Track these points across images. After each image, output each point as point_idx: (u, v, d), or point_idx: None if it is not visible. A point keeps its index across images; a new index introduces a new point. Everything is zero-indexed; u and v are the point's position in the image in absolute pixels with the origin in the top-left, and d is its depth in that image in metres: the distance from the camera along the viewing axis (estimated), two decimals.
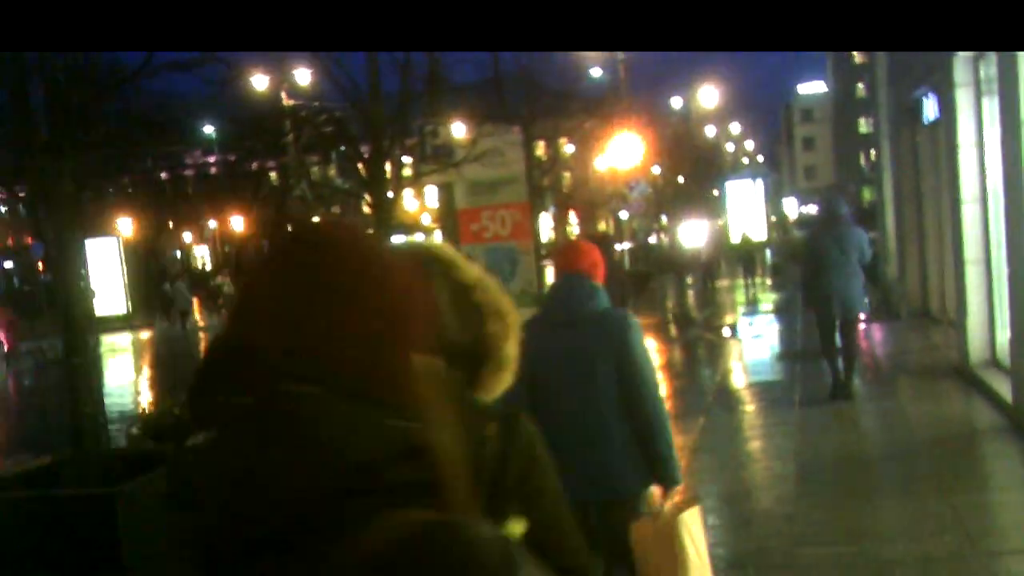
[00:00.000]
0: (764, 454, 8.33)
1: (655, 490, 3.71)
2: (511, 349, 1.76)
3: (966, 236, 10.31)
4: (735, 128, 75.92)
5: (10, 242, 49.55)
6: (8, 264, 40.85)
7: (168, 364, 23.44)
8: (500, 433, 1.46)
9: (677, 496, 3.69)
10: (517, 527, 1.44)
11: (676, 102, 45.91)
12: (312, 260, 1.24)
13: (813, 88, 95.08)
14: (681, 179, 42.90)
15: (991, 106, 9.12)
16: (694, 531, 3.31)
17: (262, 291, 1.26)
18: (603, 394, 3.73)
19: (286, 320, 1.21)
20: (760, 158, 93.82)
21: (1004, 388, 8.78)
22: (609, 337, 3.74)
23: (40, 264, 35.93)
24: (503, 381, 1.73)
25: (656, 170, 35.34)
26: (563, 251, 4.16)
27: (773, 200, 40.03)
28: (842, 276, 9.32)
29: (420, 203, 52.87)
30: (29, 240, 42.19)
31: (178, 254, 64.10)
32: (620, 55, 24.09)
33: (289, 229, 1.51)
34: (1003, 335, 9.46)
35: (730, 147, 77.97)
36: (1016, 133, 7.48)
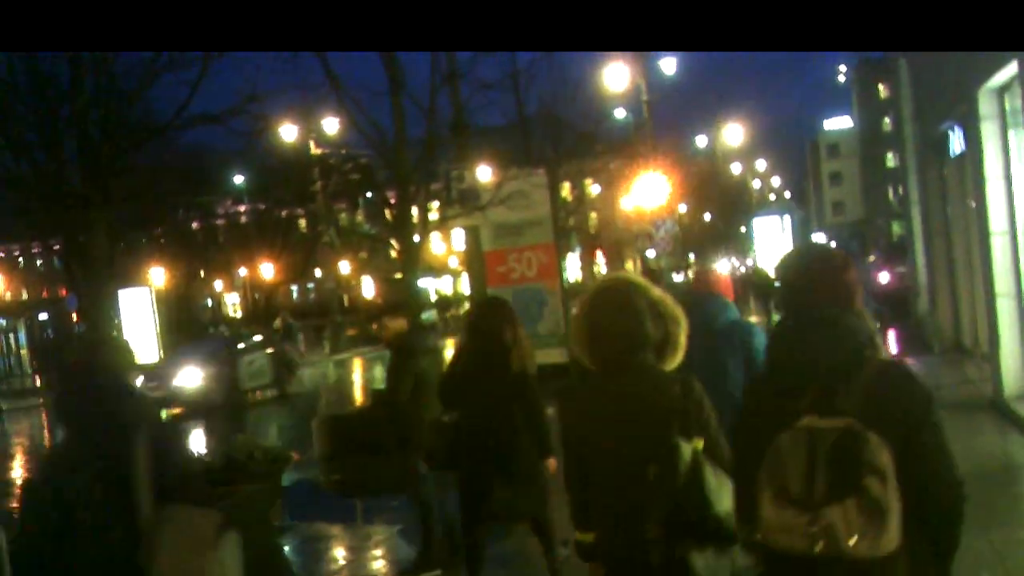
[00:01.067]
0: None
1: None
2: (682, 340, 3.25)
3: (996, 269, 10.21)
4: (761, 165, 75.86)
5: (44, 294, 50.30)
6: (43, 316, 41.44)
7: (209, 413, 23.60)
8: (682, 387, 3.09)
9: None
10: (699, 443, 3.00)
11: (701, 140, 46.06)
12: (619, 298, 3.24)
13: (839, 123, 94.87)
14: (708, 217, 42.86)
15: (1018, 138, 9.08)
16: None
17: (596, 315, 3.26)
18: (731, 378, 4.89)
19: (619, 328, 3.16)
20: (787, 194, 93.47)
21: None
22: (739, 338, 5.05)
23: (74, 315, 36.38)
24: (677, 359, 3.24)
25: (683, 208, 35.33)
26: (699, 276, 5.91)
27: (801, 236, 39.76)
28: None
29: (447, 246, 53.13)
30: (63, 292, 42.82)
31: (209, 302, 64.73)
32: (644, 94, 24.29)
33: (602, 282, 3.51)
34: None
35: (756, 184, 77.84)
36: None
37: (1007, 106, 9.67)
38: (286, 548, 8.09)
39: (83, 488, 3.14)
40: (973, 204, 11.30)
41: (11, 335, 37.56)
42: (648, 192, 25.68)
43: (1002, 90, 9.70)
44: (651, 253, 31.72)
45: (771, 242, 35.98)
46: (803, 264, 2.73)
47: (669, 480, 2.97)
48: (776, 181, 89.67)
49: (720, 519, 2.97)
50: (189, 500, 3.25)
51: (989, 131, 10.01)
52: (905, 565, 2.36)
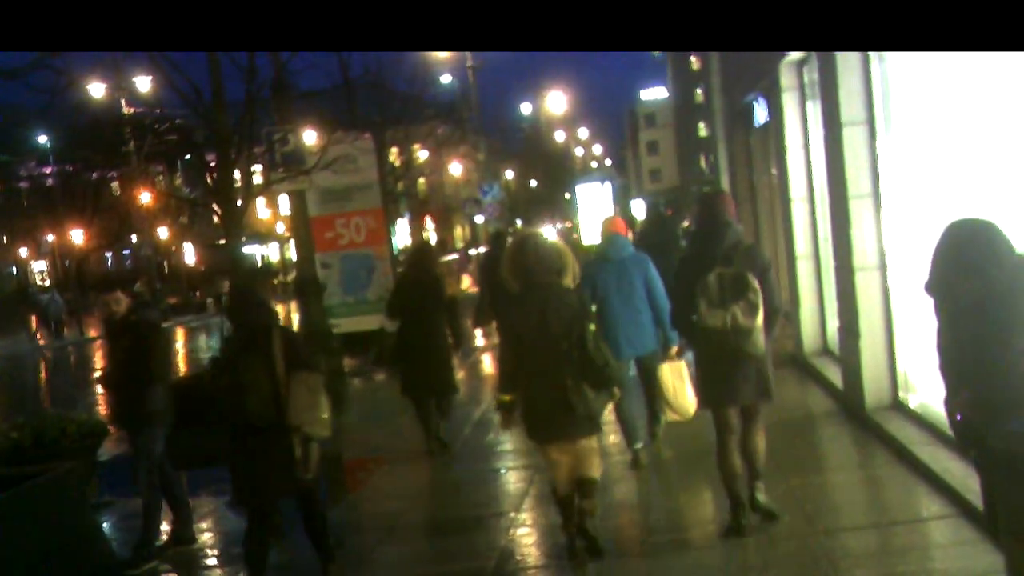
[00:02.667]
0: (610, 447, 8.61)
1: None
2: (574, 269, 5.66)
3: (796, 233, 10.92)
4: (583, 133, 77.67)
5: None
6: None
7: (8, 386, 22.15)
8: (577, 296, 5.63)
9: (674, 351, 7.32)
10: (593, 326, 5.45)
11: (526, 108, 46.67)
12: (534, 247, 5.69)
13: (655, 94, 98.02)
14: (534, 183, 43.59)
15: (815, 109, 9.72)
16: (684, 371, 7.17)
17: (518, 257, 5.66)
18: (638, 295, 7.39)
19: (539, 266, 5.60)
20: (608, 162, 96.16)
21: (835, 375, 9.37)
22: (638, 266, 7.44)
23: None
24: (571, 280, 5.61)
25: (509, 175, 35.74)
26: (607, 223, 7.86)
27: (622, 202, 41.11)
28: None
29: (273, 211, 51.69)
30: None
31: (14, 270, 60.55)
32: (469, 60, 24.33)
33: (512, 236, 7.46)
34: (832, 325, 10.09)
35: (579, 152, 79.69)
36: (837, 134, 8.02)
37: (805, 78, 10.32)
38: (105, 526, 7.80)
39: (245, 358, 5.44)
40: (775, 172, 12.02)
41: None
42: (473, 158, 25.84)
43: (801, 64, 10.34)
44: (479, 218, 32.08)
45: (593, 207, 37.02)
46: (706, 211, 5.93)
47: (579, 348, 5.33)
48: (598, 149, 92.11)
49: (610, 367, 5.46)
50: (305, 367, 5.47)
51: (790, 102, 10.66)
52: (761, 331, 5.49)
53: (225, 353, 5.72)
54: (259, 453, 5.40)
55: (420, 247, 11.30)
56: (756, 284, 5.47)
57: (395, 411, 11.72)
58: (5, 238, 53.90)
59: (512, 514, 6.97)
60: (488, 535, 6.67)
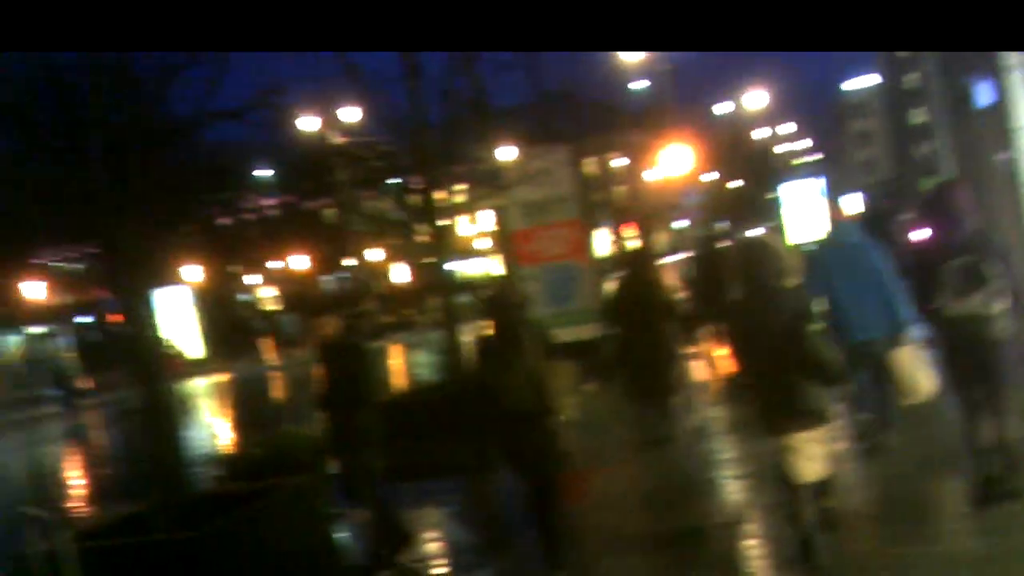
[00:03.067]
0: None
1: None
2: (795, 271, 5.86)
3: None
4: (788, 128, 74.82)
5: (85, 297, 51.08)
6: (87, 319, 42.12)
7: (246, 404, 23.91)
8: (803, 298, 5.72)
9: (910, 334, 7.10)
10: (817, 328, 5.40)
11: (725, 107, 45.41)
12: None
13: (863, 82, 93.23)
14: (737, 184, 42.44)
15: None
16: (920, 354, 7.09)
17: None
18: (868, 280, 7.26)
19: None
20: (817, 156, 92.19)
21: None
22: (866, 252, 7.36)
23: (116, 316, 36.94)
24: (794, 282, 5.68)
25: (711, 177, 34.95)
26: (832, 210, 8.89)
27: (834, 197, 39.33)
28: None
29: (476, 228, 53.13)
30: (103, 294, 43.41)
31: (246, 297, 65.33)
32: (663, 64, 23.99)
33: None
34: None
35: (784, 148, 76.87)
36: None
37: None
38: (340, 536, 8.19)
39: (506, 353, 6.07)
40: (1005, 154, 11.14)
41: (56, 338, 38.22)
42: (673, 163, 25.42)
43: None
44: (681, 223, 31.60)
45: (804, 206, 35.57)
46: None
47: (803, 347, 5.25)
48: (804, 144, 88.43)
49: (834, 365, 5.31)
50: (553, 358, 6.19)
51: (1018, 81, 9.90)
52: (1005, 317, 5.78)
53: (487, 348, 6.32)
54: (522, 436, 6.01)
55: (637, 252, 12.62)
56: (997, 271, 5.66)
57: (610, 420, 11.69)
58: (237, 267, 58.26)
59: (737, 525, 6.76)
60: (714, 546, 6.50)
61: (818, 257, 7.47)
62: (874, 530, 6.21)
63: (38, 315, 40.44)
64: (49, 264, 56.06)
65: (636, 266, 10.03)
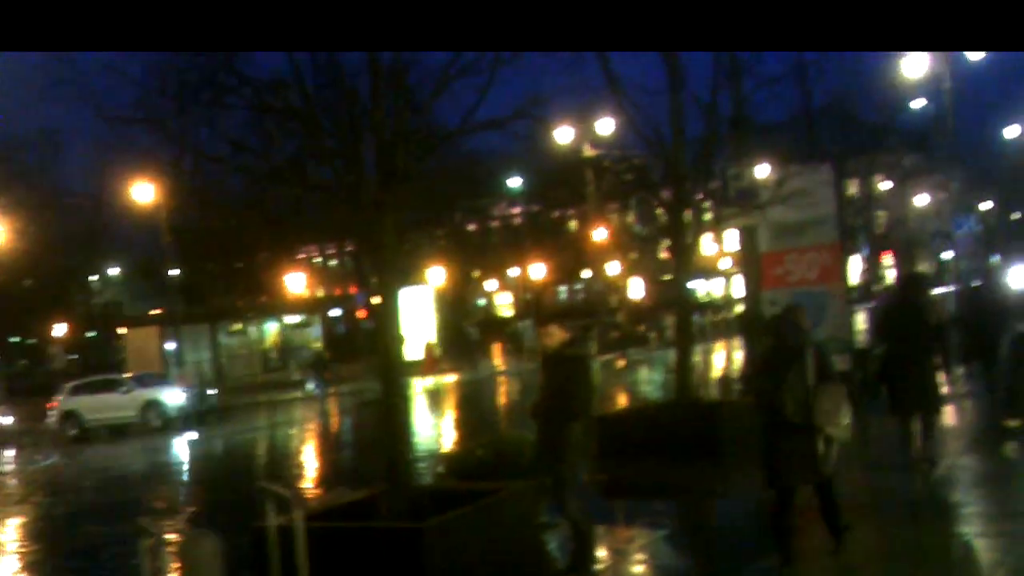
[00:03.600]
0: None
1: None
2: None
3: None
4: None
5: (337, 291, 54.66)
6: (335, 312, 45.04)
7: (472, 406, 24.58)
8: None
9: None
10: None
11: (1012, 131, 41.46)
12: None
13: None
14: (1018, 215, 38.83)
15: None
16: None
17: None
18: None
19: None
20: None
21: None
22: None
23: (362, 311, 39.17)
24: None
25: (985, 206, 32.20)
26: None
27: None
28: None
29: (719, 247, 52.02)
30: (353, 289, 46.23)
31: (483, 302, 67.48)
32: (947, 83, 22.16)
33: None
34: None
35: None
36: None
37: None
38: (550, 545, 8.14)
39: (786, 369, 6.56)
40: None
41: (307, 330, 41.04)
42: (942, 188, 23.53)
43: None
44: (948, 254, 29.26)
45: None
46: None
47: None
48: None
49: None
50: (831, 380, 6.57)
51: None
52: None
53: (768, 364, 6.87)
54: (790, 446, 6.52)
55: (912, 276, 14.50)
56: None
57: (842, 460, 10.94)
58: (478, 272, 60.26)
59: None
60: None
61: None
62: None
63: (295, 306, 43.63)
64: (310, 259, 60.51)
65: (909, 287, 10.63)
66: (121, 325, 44.48)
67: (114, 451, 20.83)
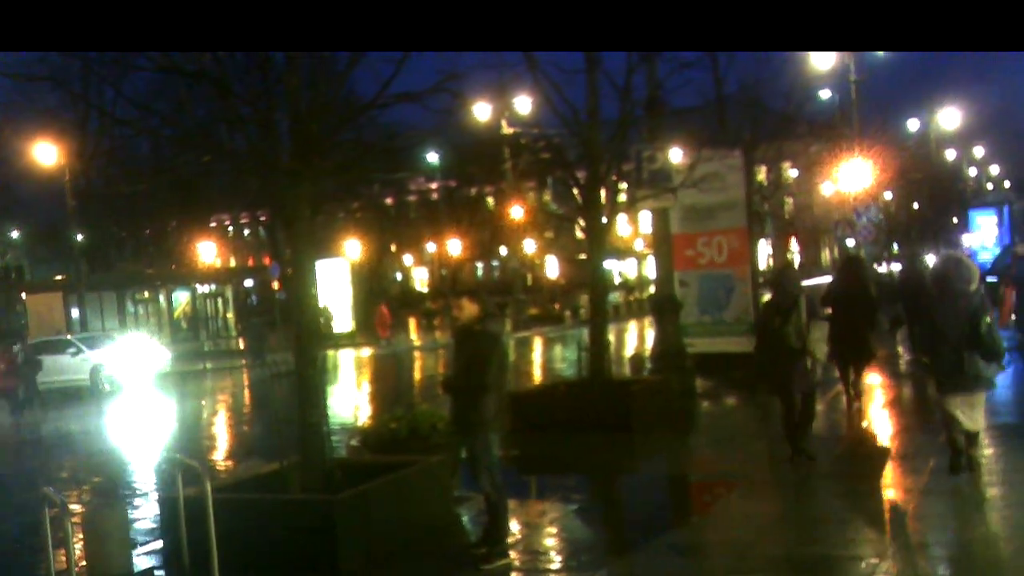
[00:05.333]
0: (1004, 501, 7.62)
1: None
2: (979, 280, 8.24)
3: None
4: (979, 152, 70.69)
5: (250, 262, 53.79)
6: (248, 282, 44.33)
7: (386, 380, 24.55)
8: (982, 298, 8.03)
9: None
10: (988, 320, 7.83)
11: (913, 124, 43.07)
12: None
13: None
14: (916, 206, 40.35)
15: None
16: None
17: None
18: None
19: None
20: (1007, 184, 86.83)
21: None
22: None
23: (276, 283, 38.64)
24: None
25: (888, 196, 33.38)
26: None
27: (1021, 230, 36.83)
28: None
29: (634, 228, 52.74)
30: (267, 260, 45.52)
31: (399, 276, 67.18)
32: (852, 74, 22.91)
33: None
34: None
35: (972, 172, 72.71)
36: None
37: None
38: (463, 518, 8.26)
39: (785, 314, 9.05)
40: None
41: (219, 300, 40.26)
42: (851, 177, 24.31)
43: None
44: (851, 242, 30.34)
45: (986, 235, 33.59)
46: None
47: (976, 331, 7.53)
48: (995, 169, 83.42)
49: (997, 346, 7.62)
50: (817, 317, 9.17)
51: None
52: None
53: (770, 310, 9.33)
54: (791, 365, 9.00)
55: (852, 258, 15.58)
56: None
57: (750, 436, 11.38)
58: (394, 246, 59.93)
59: (873, 560, 6.37)
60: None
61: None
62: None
63: (206, 275, 42.76)
64: (223, 227, 59.30)
65: (852, 268, 12.88)
66: (22, 290, 42.96)
67: (45, 416, 20.13)
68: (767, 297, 10.40)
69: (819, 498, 8.42)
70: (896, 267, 33.59)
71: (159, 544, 7.68)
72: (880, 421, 11.77)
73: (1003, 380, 12.31)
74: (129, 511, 6.28)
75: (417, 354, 30.85)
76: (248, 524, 6.77)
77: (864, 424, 11.51)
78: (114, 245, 45.89)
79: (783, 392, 9.20)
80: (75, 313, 35.14)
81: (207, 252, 46.87)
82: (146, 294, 38.93)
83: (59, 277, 40.76)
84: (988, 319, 7.63)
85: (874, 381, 14.00)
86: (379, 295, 45.57)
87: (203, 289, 40.11)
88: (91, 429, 18.02)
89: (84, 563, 7.11)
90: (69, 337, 26.88)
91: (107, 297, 36.93)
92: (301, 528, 6.77)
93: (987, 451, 8.73)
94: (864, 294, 11.93)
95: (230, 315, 39.85)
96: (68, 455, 14.79)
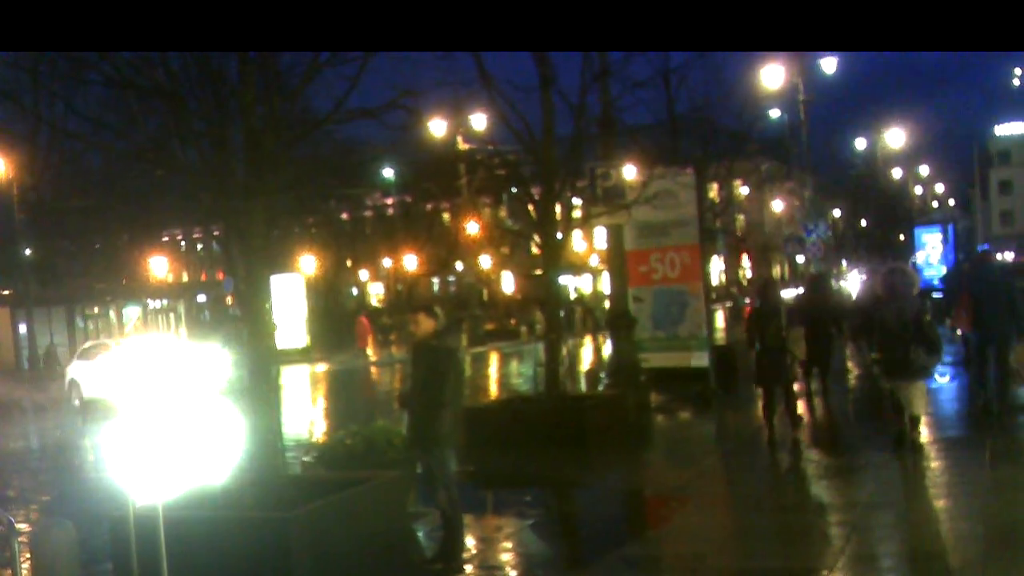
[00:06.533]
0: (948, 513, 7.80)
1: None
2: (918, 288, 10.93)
3: None
4: (924, 170, 72.26)
5: (203, 277, 53.15)
6: (201, 298, 43.80)
7: (341, 396, 24.39)
8: (920, 306, 10.36)
9: None
10: (928, 317, 10.26)
11: (860, 143, 43.99)
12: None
13: (1011, 129, 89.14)
14: (864, 223, 41.09)
15: None
16: None
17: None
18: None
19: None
20: (951, 202, 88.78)
21: None
22: (1005, 284, 11.44)
23: (229, 298, 38.26)
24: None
25: (837, 213, 34.03)
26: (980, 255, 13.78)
27: (965, 247, 37.72)
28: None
29: (588, 244, 53.05)
30: (220, 275, 45.03)
31: (355, 291, 66.77)
32: (801, 94, 23.43)
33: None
34: None
35: (918, 190, 74.24)
36: None
37: None
38: (419, 535, 8.25)
39: (770, 317, 11.03)
40: None
41: (171, 315, 39.73)
42: (797, 196, 24.70)
43: None
44: (800, 258, 30.91)
45: (932, 252, 34.28)
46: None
47: (919, 328, 9.24)
48: (940, 188, 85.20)
49: (936, 341, 9.43)
50: (794, 324, 11.64)
51: None
52: None
53: (759, 316, 10.98)
54: (771, 362, 10.72)
55: (817, 276, 17.51)
56: None
57: (703, 451, 11.49)
58: (349, 261, 59.62)
59: (824, 572, 6.48)
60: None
61: (967, 282, 11.61)
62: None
63: (158, 290, 42.18)
64: (175, 242, 58.57)
65: (817, 285, 14.53)
66: None
67: None
68: (754, 305, 12.89)
69: (771, 511, 8.54)
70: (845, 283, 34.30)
71: (109, 565, 7.56)
72: (835, 427, 12.43)
73: (947, 394, 13.01)
74: (78, 530, 6.15)
75: (374, 369, 30.70)
76: (200, 542, 6.69)
77: (821, 427, 12.31)
78: (64, 259, 45.10)
79: (765, 384, 10.93)
80: (22, 329, 34.45)
81: (159, 267, 46.25)
82: (96, 309, 38.30)
83: (6, 292, 39.95)
84: (928, 317, 9.49)
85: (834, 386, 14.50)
86: (352, 309, 45.22)
87: (155, 304, 39.56)
88: (42, 445, 17.67)
89: None
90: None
91: (56, 312, 36.29)
92: (255, 545, 6.71)
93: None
94: (828, 309, 13.45)
95: (182, 330, 39.34)
96: (16, 472, 14.49)
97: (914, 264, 29.92)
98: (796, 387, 12.84)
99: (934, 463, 9.60)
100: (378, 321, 44.51)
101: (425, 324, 7.16)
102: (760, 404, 11.36)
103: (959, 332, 15.87)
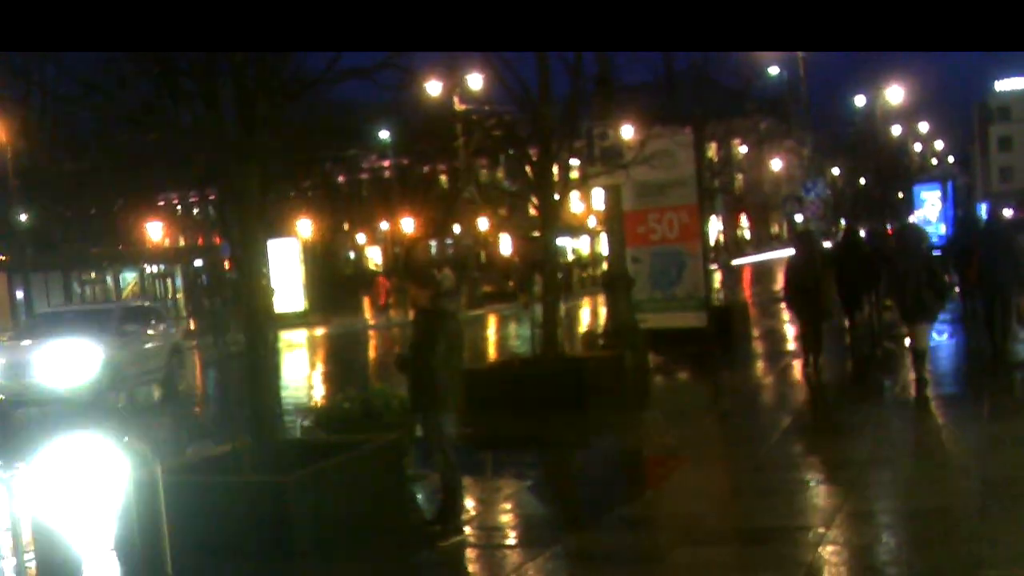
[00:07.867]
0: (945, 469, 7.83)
1: None
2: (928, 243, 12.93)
3: None
4: (923, 127, 71.89)
5: (200, 242, 52.99)
6: (198, 262, 43.71)
7: (340, 359, 24.43)
8: None
9: None
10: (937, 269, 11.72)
11: (860, 100, 43.58)
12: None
13: (1011, 85, 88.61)
14: (863, 181, 40.93)
15: None
16: None
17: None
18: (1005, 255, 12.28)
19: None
20: (951, 159, 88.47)
21: None
22: (1007, 237, 12.69)
23: (227, 262, 38.15)
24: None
25: (836, 171, 33.83)
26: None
27: (965, 204, 37.56)
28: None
29: (586, 205, 52.84)
30: (217, 240, 44.89)
31: (352, 255, 66.66)
32: (800, 53, 23.11)
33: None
34: None
35: (918, 147, 73.90)
36: None
37: None
38: (418, 497, 8.27)
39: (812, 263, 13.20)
40: None
41: (168, 280, 39.63)
42: (795, 155, 24.56)
43: None
44: (799, 217, 30.82)
45: (931, 209, 34.22)
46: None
47: (929, 276, 10.52)
48: (939, 145, 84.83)
49: (944, 286, 10.97)
50: (829, 267, 13.66)
51: None
52: None
53: (797, 262, 13.00)
54: (807, 303, 12.66)
55: (852, 229, 17.25)
56: None
57: (701, 411, 11.51)
58: (347, 225, 59.44)
59: (821, 530, 6.52)
60: (793, 549, 6.29)
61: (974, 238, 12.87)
62: None
63: (155, 255, 42.06)
64: (171, 206, 58.34)
65: (807, 242, 14.37)
66: None
67: None
68: (792, 253, 13.98)
69: (769, 471, 8.57)
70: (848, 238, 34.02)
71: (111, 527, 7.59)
72: (834, 385, 12.73)
73: (943, 351, 14.11)
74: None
75: (372, 333, 30.73)
76: (200, 506, 6.70)
77: (820, 387, 12.55)
78: (59, 225, 44.92)
79: (801, 318, 13.03)
80: (19, 295, 34.39)
81: (155, 231, 46.10)
82: (93, 275, 38.21)
83: (3, 258, 39.82)
84: (938, 268, 10.98)
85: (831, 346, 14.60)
86: (351, 273, 45.13)
87: (152, 269, 39.47)
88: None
89: (34, 547, 7.00)
90: None
91: (53, 278, 36.20)
92: (253, 509, 6.72)
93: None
94: (863, 262, 14.10)
95: (180, 295, 39.29)
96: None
97: (923, 221, 31.16)
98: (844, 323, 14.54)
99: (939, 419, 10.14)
100: (373, 286, 44.50)
101: (416, 293, 7.15)
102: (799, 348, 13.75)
103: (957, 290, 15.98)
